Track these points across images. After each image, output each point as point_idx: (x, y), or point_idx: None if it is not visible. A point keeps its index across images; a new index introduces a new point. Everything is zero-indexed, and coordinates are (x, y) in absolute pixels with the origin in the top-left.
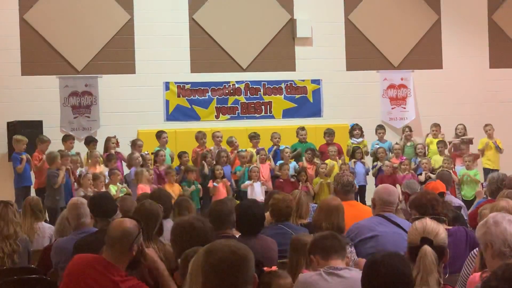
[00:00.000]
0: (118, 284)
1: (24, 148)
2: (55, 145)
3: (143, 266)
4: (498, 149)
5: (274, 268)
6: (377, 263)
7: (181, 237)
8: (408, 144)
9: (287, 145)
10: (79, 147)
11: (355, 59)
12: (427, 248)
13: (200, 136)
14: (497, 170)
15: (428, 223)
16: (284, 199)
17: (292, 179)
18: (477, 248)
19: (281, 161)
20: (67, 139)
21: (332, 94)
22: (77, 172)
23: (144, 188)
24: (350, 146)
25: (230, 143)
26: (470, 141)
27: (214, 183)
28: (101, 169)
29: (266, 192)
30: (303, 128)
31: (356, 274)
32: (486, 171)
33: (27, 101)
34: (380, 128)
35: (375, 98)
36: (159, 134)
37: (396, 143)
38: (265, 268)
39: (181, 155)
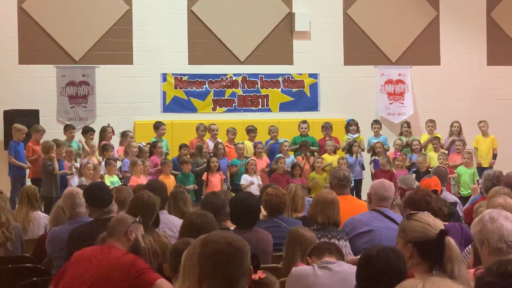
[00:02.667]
0: (117, 260)
1: (23, 137)
2: (52, 134)
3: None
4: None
5: (261, 275)
6: (371, 257)
7: (193, 231)
8: (406, 139)
9: (285, 138)
10: (76, 137)
11: (353, 53)
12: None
13: (201, 128)
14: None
15: (431, 218)
16: (277, 194)
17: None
18: (470, 245)
19: (279, 155)
20: (68, 129)
21: (329, 88)
22: (73, 162)
23: (137, 179)
24: (346, 141)
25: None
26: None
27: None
28: (96, 159)
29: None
30: (304, 122)
31: (348, 268)
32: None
33: (24, 90)
34: (375, 123)
35: (372, 93)
36: (157, 125)
37: (399, 139)
38: (252, 276)
39: (181, 147)
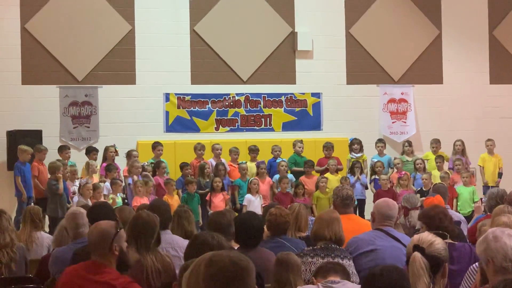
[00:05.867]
0: (110, 283)
1: (28, 158)
2: (54, 154)
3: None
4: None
5: None
6: (376, 276)
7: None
8: (409, 159)
9: (285, 158)
10: (79, 157)
11: (355, 73)
12: (416, 254)
13: (198, 148)
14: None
15: (425, 234)
16: (281, 214)
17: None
18: (476, 263)
19: (277, 175)
20: (63, 149)
21: (332, 107)
22: (76, 182)
23: (140, 199)
24: (349, 160)
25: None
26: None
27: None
28: (97, 179)
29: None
30: (301, 141)
31: (352, 287)
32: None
33: (27, 110)
34: (379, 142)
35: (375, 112)
36: (154, 146)
37: (395, 158)
38: None
39: (182, 166)
